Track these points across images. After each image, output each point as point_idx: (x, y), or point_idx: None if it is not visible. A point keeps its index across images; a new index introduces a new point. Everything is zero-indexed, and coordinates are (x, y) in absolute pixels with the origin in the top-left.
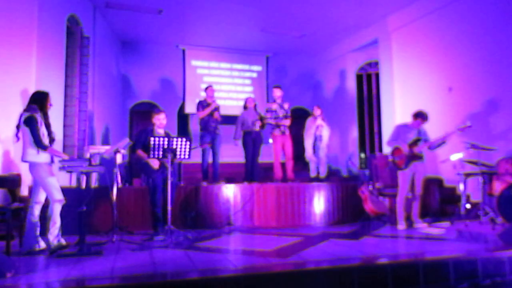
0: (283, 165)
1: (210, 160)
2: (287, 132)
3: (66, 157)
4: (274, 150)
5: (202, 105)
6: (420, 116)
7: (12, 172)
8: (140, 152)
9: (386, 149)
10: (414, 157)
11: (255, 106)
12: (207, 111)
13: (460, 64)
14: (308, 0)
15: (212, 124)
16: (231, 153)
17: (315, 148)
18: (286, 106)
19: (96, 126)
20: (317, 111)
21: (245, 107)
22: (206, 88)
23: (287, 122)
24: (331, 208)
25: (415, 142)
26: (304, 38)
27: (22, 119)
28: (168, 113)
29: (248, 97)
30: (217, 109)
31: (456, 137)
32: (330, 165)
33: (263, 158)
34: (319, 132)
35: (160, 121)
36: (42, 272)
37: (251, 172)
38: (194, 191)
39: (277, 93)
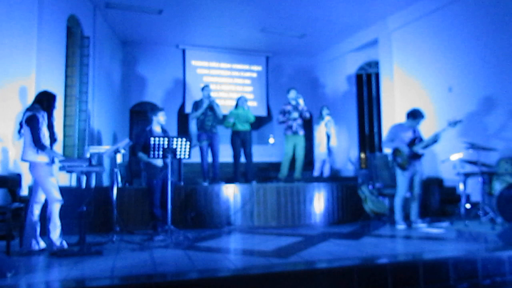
0: (291, 165)
1: (210, 159)
2: (302, 133)
3: (63, 159)
4: (286, 150)
5: (196, 105)
6: (416, 115)
7: (12, 172)
8: (141, 155)
9: (386, 149)
10: (414, 157)
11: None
12: (198, 113)
13: (460, 64)
14: (308, 0)
15: (208, 123)
16: (228, 153)
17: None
18: (301, 104)
19: (96, 126)
20: (325, 111)
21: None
22: (203, 88)
23: (296, 115)
24: (331, 208)
25: (413, 142)
26: (304, 38)
27: (24, 117)
28: (168, 113)
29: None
30: (212, 106)
31: (452, 134)
32: (331, 165)
33: (263, 158)
34: (327, 130)
35: (163, 117)
36: (42, 272)
37: (247, 172)
38: (194, 191)
39: (291, 94)
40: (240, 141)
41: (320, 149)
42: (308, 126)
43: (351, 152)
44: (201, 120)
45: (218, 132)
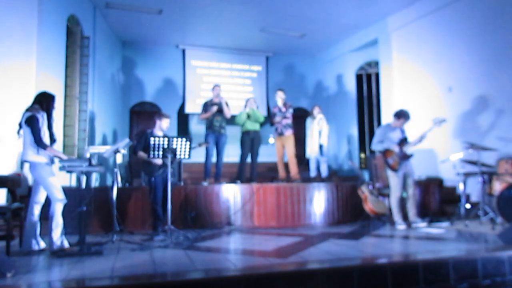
0: (286, 165)
1: (214, 159)
2: (288, 133)
3: (65, 157)
4: (276, 151)
5: (206, 105)
6: (404, 116)
7: (12, 172)
8: (141, 153)
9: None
10: (404, 157)
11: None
12: (207, 114)
13: (460, 64)
14: (308, 0)
15: (216, 123)
16: (236, 152)
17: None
18: (284, 107)
19: (96, 126)
20: (316, 110)
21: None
22: (213, 88)
23: (279, 119)
24: (331, 208)
25: (402, 142)
26: (304, 38)
27: (24, 118)
28: (168, 113)
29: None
30: (220, 107)
31: (452, 135)
32: (330, 165)
33: (264, 158)
34: (320, 128)
35: (167, 124)
36: (42, 272)
37: (251, 172)
38: (194, 191)
39: (276, 96)
40: (249, 141)
41: (313, 148)
42: (302, 125)
43: (350, 152)
44: (210, 120)
45: (226, 133)
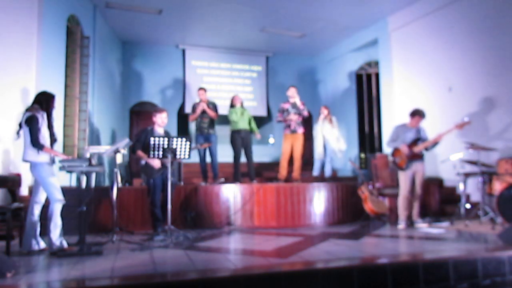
0: (290, 164)
1: (208, 160)
2: (301, 131)
3: (64, 156)
4: (283, 149)
5: (193, 108)
6: (418, 114)
7: (12, 172)
8: (140, 153)
9: (386, 149)
10: (414, 157)
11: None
12: (194, 116)
13: (460, 64)
14: (308, 0)
15: (203, 125)
16: (227, 153)
17: (324, 148)
18: (300, 104)
19: (96, 126)
20: (324, 111)
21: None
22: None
23: (294, 117)
24: (331, 208)
25: (414, 142)
26: (304, 38)
27: (24, 118)
28: (168, 113)
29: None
30: (208, 107)
31: (452, 135)
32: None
33: (263, 158)
34: (325, 131)
35: (162, 119)
36: (42, 272)
37: (248, 171)
38: (194, 191)
39: (289, 92)
40: (241, 140)
41: (318, 149)
42: (309, 125)
43: (350, 152)
44: (198, 122)
45: (216, 133)
